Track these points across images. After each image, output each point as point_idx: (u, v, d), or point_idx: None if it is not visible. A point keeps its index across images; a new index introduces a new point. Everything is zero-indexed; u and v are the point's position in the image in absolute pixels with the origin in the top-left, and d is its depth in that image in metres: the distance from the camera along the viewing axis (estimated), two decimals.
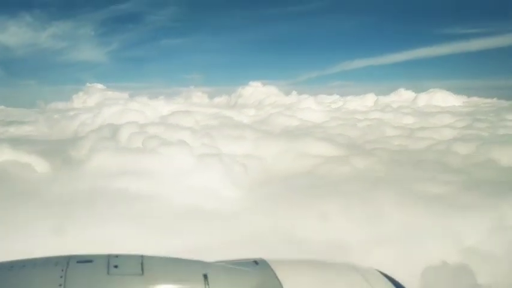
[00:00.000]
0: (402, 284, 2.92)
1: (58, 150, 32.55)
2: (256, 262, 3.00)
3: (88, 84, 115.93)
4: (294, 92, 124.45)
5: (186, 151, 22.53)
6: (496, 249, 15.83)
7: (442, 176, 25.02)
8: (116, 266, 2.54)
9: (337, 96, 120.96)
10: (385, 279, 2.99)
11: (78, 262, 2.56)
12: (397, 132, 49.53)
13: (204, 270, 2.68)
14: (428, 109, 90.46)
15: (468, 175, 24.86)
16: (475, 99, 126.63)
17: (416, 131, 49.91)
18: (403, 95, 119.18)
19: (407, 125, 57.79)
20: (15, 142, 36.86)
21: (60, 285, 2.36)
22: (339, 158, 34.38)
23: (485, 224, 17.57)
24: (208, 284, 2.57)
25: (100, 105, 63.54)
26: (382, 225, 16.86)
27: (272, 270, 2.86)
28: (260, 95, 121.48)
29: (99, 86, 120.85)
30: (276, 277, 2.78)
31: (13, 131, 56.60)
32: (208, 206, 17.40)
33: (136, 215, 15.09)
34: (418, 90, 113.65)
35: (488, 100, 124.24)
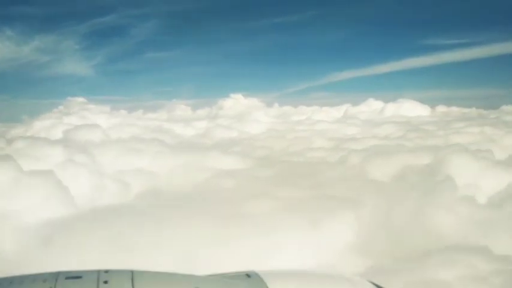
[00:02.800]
0: None
1: None
2: (248, 275, 2.97)
3: (68, 98, 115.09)
4: (276, 104, 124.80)
5: (9, 168, 21.03)
6: None
7: (298, 191, 23.55)
8: (105, 282, 2.49)
9: (317, 107, 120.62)
10: None
11: (67, 278, 2.51)
12: (325, 144, 48.13)
13: (195, 284, 2.67)
14: (394, 119, 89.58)
15: (324, 189, 23.35)
16: (453, 109, 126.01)
17: (347, 141, 48.56)
18: (372, 105, 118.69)
19: (346, 135, 56.46)
20: None
21: None
22: (232, 172, 32.94)
23: (288, 246, 16.03)
24: None
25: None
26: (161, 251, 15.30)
27: (264, 282, 2.84)
28: (241, 107, 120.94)
29: (80, 99, 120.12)
30: None
31: None
32: None
33: None
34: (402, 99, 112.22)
35: (466, 110, 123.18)
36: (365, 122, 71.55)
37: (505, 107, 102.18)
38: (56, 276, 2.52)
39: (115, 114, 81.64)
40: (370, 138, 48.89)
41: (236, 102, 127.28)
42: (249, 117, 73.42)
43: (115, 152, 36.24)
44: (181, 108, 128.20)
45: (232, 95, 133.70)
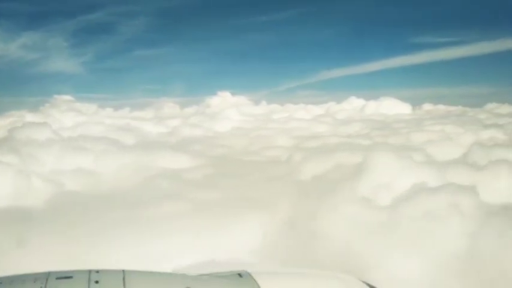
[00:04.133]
0: None
1: None
2: (240, 275, 2.95)
3: (55, 96, 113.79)
4: (264, 102, 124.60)
5: None
6: None
7: (223, 192, 22.71)
8: (97, 282, 2.44)
9: (303, 105, 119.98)
10: None
11: (57, 278, 2.46)
12: (286, 143, 47.29)
13: (187, 283, 2.62)
14: (373, 117, 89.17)
15: (250, 190, 22.44)
16: (440, 107, 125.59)
17: (308, 140, 47.81)
18: (354, 103, 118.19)
19: (313, 133, 55.64)
20: None
21: None
22: (175, 171, 32.08)
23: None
24: None
25: None
26: None
27: (256, 282, 2.82)
28: (228, 105, 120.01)
29: (67, 97, 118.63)
30: None
31: None
32: None
33: None
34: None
35: (453, 108, 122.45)
36: (337, 120, 70.87)
37: (489, 105, 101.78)
38: (46, 276, 2.48)
39: (86, 112, 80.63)
40: (331, 136, 48.25)
41: (223, 100, 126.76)
42: (221, 115, 72.48)
43: (58, 152, 35.22)
44: (170, 106, 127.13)
45: (219, 93, 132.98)
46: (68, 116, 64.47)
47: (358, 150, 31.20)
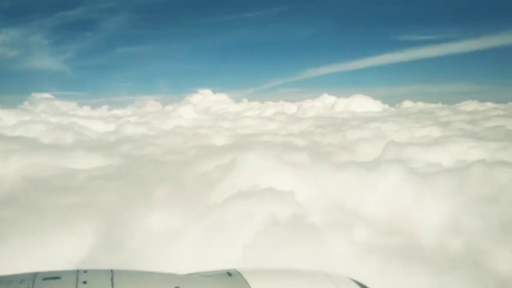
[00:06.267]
0: None
1: None
2: (229, 273, 2.97)
3: (33, 94, 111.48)
4: (245, 100, 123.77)
5: None
6: None
7: (84, 196, 20.76)
8: (84, 282, 2.45)
9: (282, 102, 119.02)
10: (358, 287, 3.01)
11: (44, 279, 2.48)
12: (222, 141, 45.53)
13: (176, 283, 2.63)
14: (341, 114, 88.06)
15: (109, 194, 20.45)
16: (419, 104, 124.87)
17: (243, 137, 46.19)
18: (325, 100, 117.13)
19: (262, 131, 54.04)
20: None
21: None
22: (73, 173, 30.05)
23: None
24: None
25: None
26: None
27: (245, 280, 2.83)
28: (208, 103, 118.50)
29: (46, 95, 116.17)
30: None
31: None
32: None
33: None
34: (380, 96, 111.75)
35: (432, 105, 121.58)
36: (292, 118, 69.55)
37: (463, 103, 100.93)
38: (33, 276, 2.46)
39: (65, 110, 78.60)
40: (270, 134, 46.76)
41: (203, 98, 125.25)
42: (173, 114, 70.64)
43: None
44: (152, 104, 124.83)
45: (200, 91, 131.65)
46: (10, 114, 62.16)
47: (265, 149, 29.56)
